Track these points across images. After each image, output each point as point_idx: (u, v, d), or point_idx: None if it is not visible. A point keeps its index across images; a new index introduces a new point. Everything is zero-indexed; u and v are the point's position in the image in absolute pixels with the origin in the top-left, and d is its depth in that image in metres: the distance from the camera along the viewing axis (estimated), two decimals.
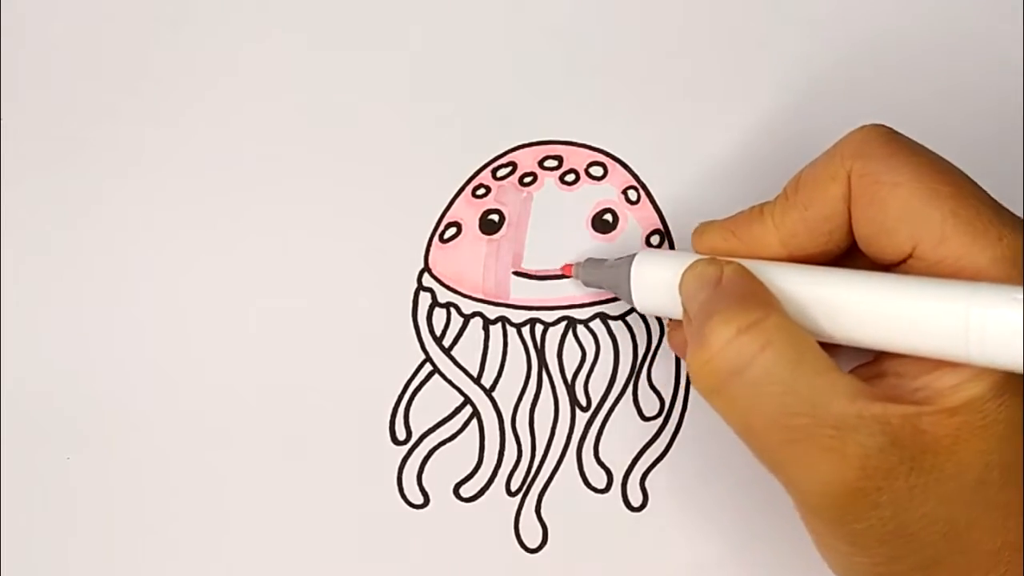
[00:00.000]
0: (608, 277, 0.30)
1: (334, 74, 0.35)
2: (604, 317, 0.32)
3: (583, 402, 0.32)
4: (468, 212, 0.33)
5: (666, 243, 0.33)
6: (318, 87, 0.35)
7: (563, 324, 0.32)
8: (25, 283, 0.34)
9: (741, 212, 0.27)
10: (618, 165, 0.34)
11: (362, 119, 0.35)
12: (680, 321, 0.28)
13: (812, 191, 0.25)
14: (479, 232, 0.33)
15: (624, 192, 0.33)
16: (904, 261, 0.24)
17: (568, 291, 0.32)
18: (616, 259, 0.30)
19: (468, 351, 0.32)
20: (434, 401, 0.32)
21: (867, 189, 0.24)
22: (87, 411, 0.33)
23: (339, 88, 0.35)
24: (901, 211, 0.24)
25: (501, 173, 0.34)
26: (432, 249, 0.33)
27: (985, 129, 0.34)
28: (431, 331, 0.33)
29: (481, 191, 0.33)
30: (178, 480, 0.32)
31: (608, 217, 0.33)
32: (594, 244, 0.33)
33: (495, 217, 0.33)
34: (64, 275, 0.34)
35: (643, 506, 0.31)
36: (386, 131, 0.34)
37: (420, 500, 0.31)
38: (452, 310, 0.33)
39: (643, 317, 0.32)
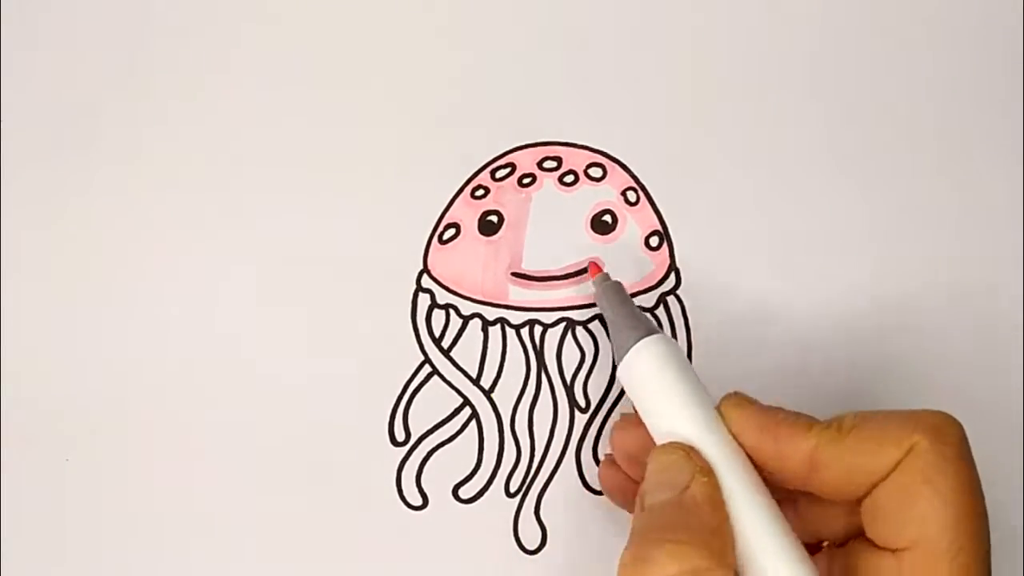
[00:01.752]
0: (611, 318, 0.29)
1: (333, 74, 0.35)
2: (604, 318, 0.32)
3: (582, 403, 0.32)
4: (467, 213, 0.33)
5: (665, 244, 0.33)
6: (317, 87, 0.35)
7: (562, 325, 0.32)
8: (24, 283, 0.34)
9: (787, 412, 0.26)
10: (617, 166, 0.34)
11: (361, 120, 0.35)
12: (629, 420, 0.28)
13: (868, 444, 0.24)
14: (478, 233, 0.33)
15: (623, 193, 0.33)
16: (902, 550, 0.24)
17: (567, 293, 0.32)
18: (635, 317, 0.29)
19: (467, 352, 0.32)
20: (433, 402, 0.32)
21: (914, 475, 0.24)
22: (86, 412, 0.33)
23: (339, 88, 0.35)
24: (917, 519, 0.24)
25: (500, 174, 0.34)
26: (431, 250, 0.33)
27: (985, 129, 0.34)
28: (430, 332, 0.33)
29: (480, 192, 0.33)
30: (176, 482, 0.32)
31: (607, 218, 0.33)
32: (594, 245, 0.33)
33: (494, 218, 0.33)
34: (63, 276, 0.34)
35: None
36: (385, 132, 0.34)
37: (419, 501, 0.31)
38: (451, 311, 0.33)
39: None
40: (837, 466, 0.24)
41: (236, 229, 0.34)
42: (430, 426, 0.32)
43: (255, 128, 0.35)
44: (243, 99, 0.35)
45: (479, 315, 0.33)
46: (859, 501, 0.25)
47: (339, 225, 0.34)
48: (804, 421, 0.25)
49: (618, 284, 0.31)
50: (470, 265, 0.33)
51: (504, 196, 0.33)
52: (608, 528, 0.31)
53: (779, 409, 0.26)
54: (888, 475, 0.24)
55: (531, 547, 0.31)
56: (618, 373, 0.28)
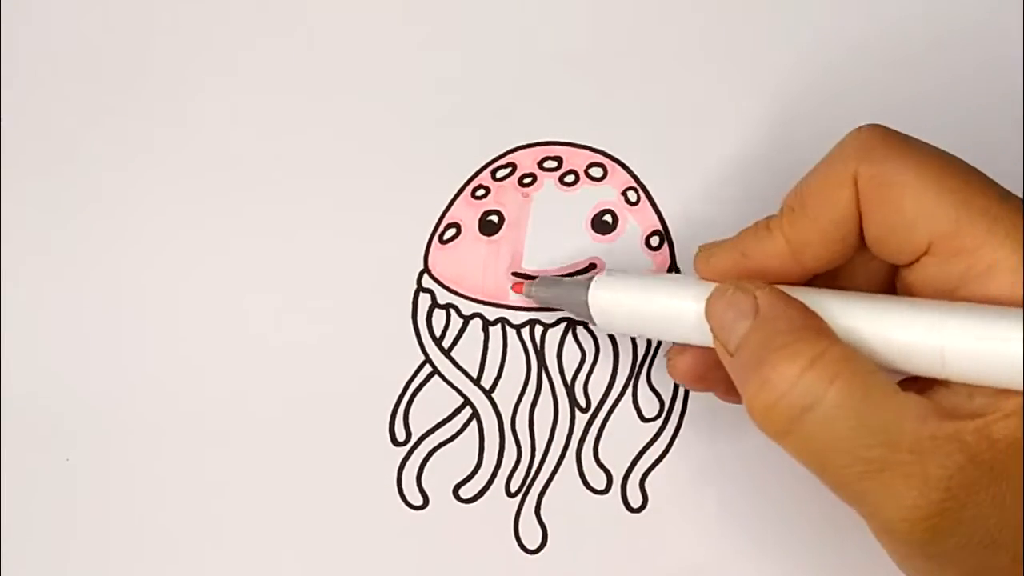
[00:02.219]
0: (563, 296, 0.30)
1: (334, 74, 0.35)
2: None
3: (583, 403, 0.32)
4: (467, 213, 0.33)
5: (665, 244, 0.33)
6: (318, 87, 0.35)
7: (563, 325, 0.32)
8: (25, 284, 0.34)
9: (746, 230, 0.27)
10: (618, 166, 0.34)
11: (361, 120, 0.35)
12: (680, 347, 0.28)
13: (820, 200, 0.25)
14: (478, 233, 0.33)
15: (624, 193, 0.33)
16: (918, 259, 0.24)
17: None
18: (571, 280, 0.30)
19: (468, 352, 0.32)
20: (434, 402, 0.32)
21: (876, 192, 0.24)
22: (87, 412, 0.33)
23: (339, 89, 0.35)
24: (913, 210, 0.23)
25: (500, 174, 0.34)
26: (432, 250, 0.33)
27: (985, 128, 0.34)
28: (431, 332, 0.33)
29: (480, 192, 0.33)
30: (177, 481, 0.32)
31: (608, 218, 0.33)
32: (594, 245, 0.33)
33: (494, 218, 0.33)
34: (64, 276, 0.34)
35: (643, 507, 0.31)
36: (385, 132, 0.34)
37: (420, 501, 0.31)
38: (452, 311, 0.33)
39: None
40: (814, 238, 0.25)
41: (236, 230, 0.34)
42: (431, 426, 0.32)
43: (256, 130, 0.35)
44: (244, 101, 0.35)
45: (480, 315, 0.33)
46: (861, 248, 0.25)
47: (340, 225, 0.34)
48: (762, 225, 0.26)
49: (541, 278, 0.32)
50: (471, 265, 0.33)
51: (504, 196, 0.33)
52: (608, 528, 0.31)
53: (738, 235, 0.27)
54: (858, 212, 0.24)
55: (532, 547, 0.31)
56: (600, 324, 0.29)
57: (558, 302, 0.31)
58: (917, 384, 0.24)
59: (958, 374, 0.22)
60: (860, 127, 0.25)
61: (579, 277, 0.30)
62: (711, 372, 0.28)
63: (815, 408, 0.22)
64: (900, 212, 0.24)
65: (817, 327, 0.24)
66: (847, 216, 0.25)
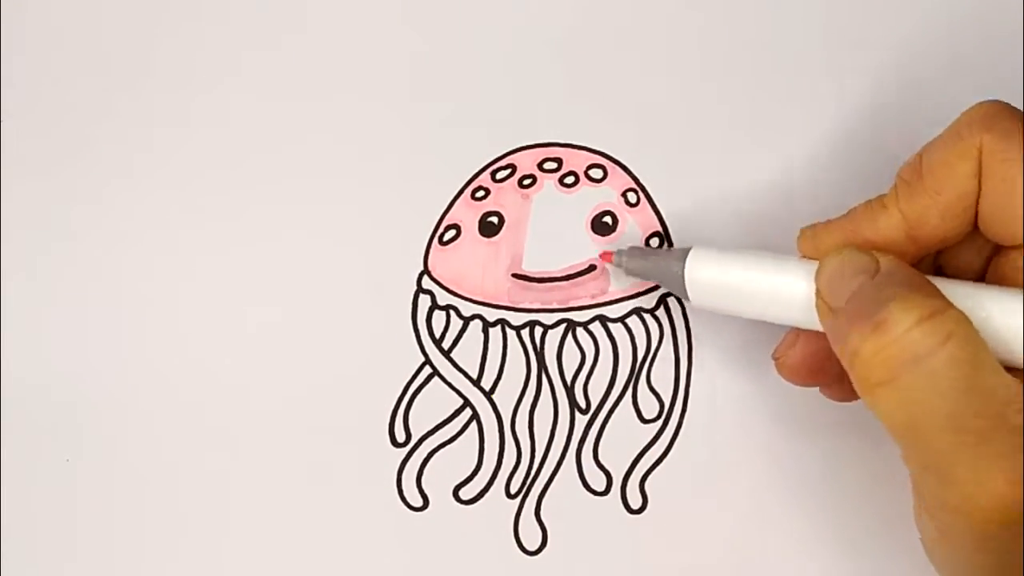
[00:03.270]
0: (656, 269, 0.30)
1: (333, 76, 0.35)
2: (603, 319, 0.32)
3: (583, 404, 0.32)
4: (467, 214, 0.33)
5: (665, 246, 0.33)
6: (317, 89, 0.35)
7: (563, 327, 0.32)
8: (25, 283, 0.34)
9: (857, 207, 0.26)
10: (617, 167, 0.34)
11: (361, 121, 0.35)
12: (790, 340, 0.28)
13: (942, 173, 0.24)
14: (478, 234, 0.33)
15: (623, 194, 0.33)
16: None
17: (568, 294, 0.32)
18: (666, 250, 0.29)
19: (467, 353, 0.32)
20: (434, 403, 0.32)
21: (999, 167, 0.23)
22: (87, 412, 0.33)
23: (338, 90, 0.35)
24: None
25: (500, 175, 0.34)
26: (431, 251, 0.33)
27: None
28: (430, 333, 0.33)
29: (480, 193, 0.33)
30: (178, 482, 0.32)
31: (607, 219, 0.33)
32: (593, 247, 0.33)
33: (494, 219, 0.33)
34: (64, 275, 0.34)
35: (642, 508, 0.31)
36: (385, 133, 0.34)
37: (420, 502, 0.31)
38: (451, 312, 0.33)
39: (642, 319, 0.32)
40: (933, 213, 0.24)
41: (236, 230, 0.34)
42: (431, 427, 0.32)
43: (256, 131, 0.35)
44: (244, 102, 0.35)
45: (479, 316, 0.33)
46: (975, 225, 0.25)
47: (340, 226, 0.34)
48: (876, 202, 0.25)
49: (632, 247, 0.31)
50: (470, 266, 0.33)
51: (504, 197, 0.33)
52: (608, 529, 0.31)
53: (848, 212, 0.26)
54: (978, 186, 0.24)
55: (532, 548, 0.31)
56: (694, 300, 0.28)
57: (649, 275, 0.30)
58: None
59: None
60: (981, 102, 0.25)
61: (673, 249, 0.29)
62: (824, 365, 0.27)
63: (923, 361, 0.21)
64: (1019, 189, 0.23)
65: (935, 291, 0.23)
66: (969, 190, 0.24)
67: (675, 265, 0.28)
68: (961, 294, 0.23)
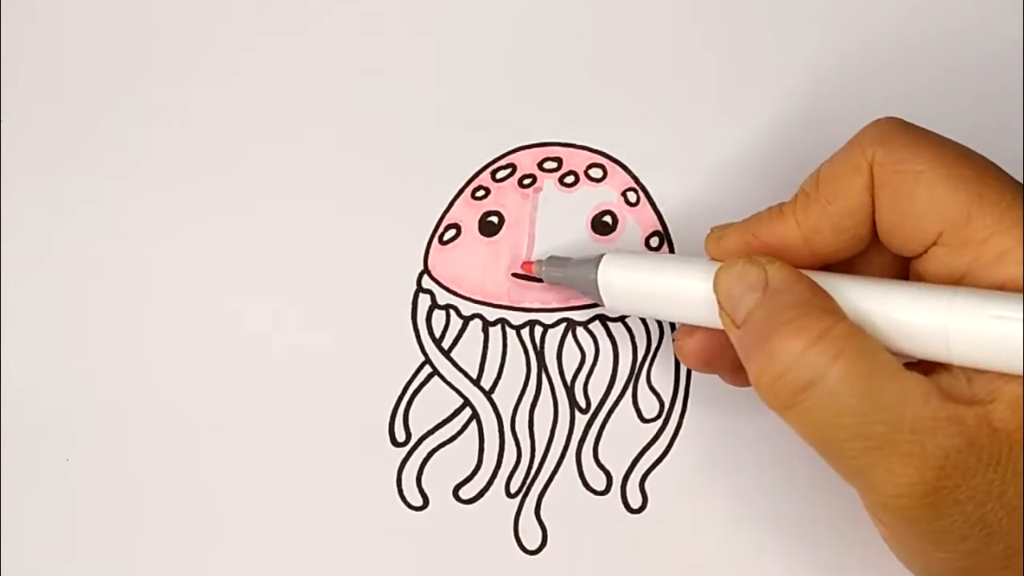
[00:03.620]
0: (573, 276, 0.30)
1: (333, 76, 0.35)
2: (604, 319, 0.32)
3: (582, 404, 0.32)
4: (467, 214, 0.33)
5: (665, 245, 0.33)
6: (318, 88, 0.35)
7: (562, 326, 0.32)
8: (25, 283, 0.34)
9: (759, 213, 0.27)
10: (617, 167, 0.34)
11: (361, 120, 0.35)
12: (688, 328, 0.28)
13: (835, 185, 0.25)
14: (478, 234, 0.33)
15: (623, 194, 0.33)
16: (927, 250, 0.24)
17: (568, 293, 0.32)
18: (580, 258, 0.30)
19: (467, 353, 0.32)
20: (433, 403, 0.32)
21: (890, 178, 0.24)
22: (87, 412, 0.33)
23: (338, 90, 0.35)
24: (926, 197, 0.24)
25: (500, 175, 0.34)
26: (431, 251, 0.33)
27: (985, 126, 0.34)
28: (430, 333, 0.33)
29: (480, 193, 0.33)
30: (177, 482, 0.32)
31: (607, 219, 0.33)
32: (594, 246, 0.33)
33: (494, 219, 0.33)
34: (64, 276, 0.34)
35: (642, 508, 0.31)
36: (385, 132, 0.34)
37: (420, 502, 0.31)
38: (451, 312, 0.33)
39: (642, 319, 0.32)
40: (825, 223, 0.25)
41: (236, 230, 0.34)
42: (431, 427, 0.32)
43: (256, 131, 0.35)
44: (244, 102, 0.35)
45: (479, 316, 0.33)
46: (873, 242, 0.25)
47: (339, 226, 0.34)
48: (775, 209, 0.26)
49: (551, 257, 0.31)
50: (470, 266, 0.33)
51: (505, 197, 0.33)
52: (608, 529, 0.31)
53: (751, 217, 0.27)
54: (871, 201, 0.25)
55: (531, 547, 0.31)
56: (608, 304, 0.29)
57: (568, 281, 0.31)
58: (920, 368, 0.24)
59: (962, 357, 0.23)
60: (878, 118, 0.25)
61: (589, 256, 0.29)
62: (719, 355, 0.28)
63: (818, 383, 0.22)
64: (913, 200, 0.24)
65: (825, 304, 0.24)
66: (860, 204, 0.25)
67: (589, 272, 0.29)
68: (862, 295, 0.24)
